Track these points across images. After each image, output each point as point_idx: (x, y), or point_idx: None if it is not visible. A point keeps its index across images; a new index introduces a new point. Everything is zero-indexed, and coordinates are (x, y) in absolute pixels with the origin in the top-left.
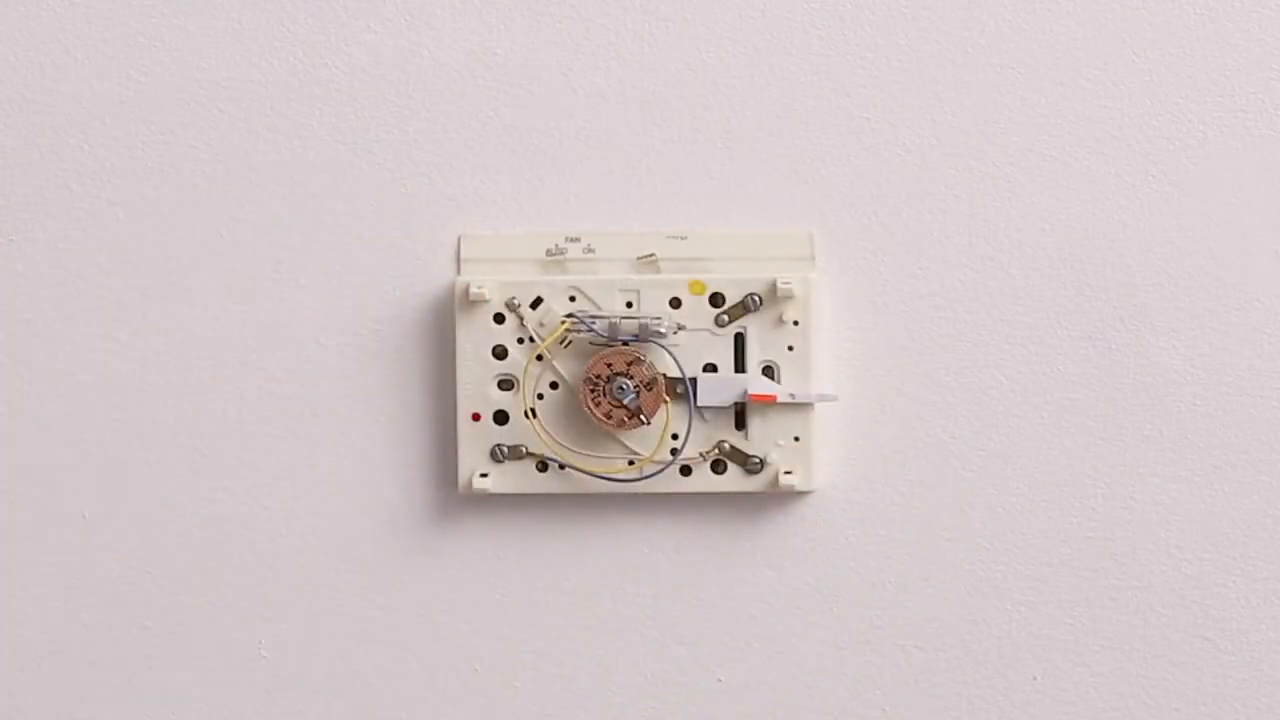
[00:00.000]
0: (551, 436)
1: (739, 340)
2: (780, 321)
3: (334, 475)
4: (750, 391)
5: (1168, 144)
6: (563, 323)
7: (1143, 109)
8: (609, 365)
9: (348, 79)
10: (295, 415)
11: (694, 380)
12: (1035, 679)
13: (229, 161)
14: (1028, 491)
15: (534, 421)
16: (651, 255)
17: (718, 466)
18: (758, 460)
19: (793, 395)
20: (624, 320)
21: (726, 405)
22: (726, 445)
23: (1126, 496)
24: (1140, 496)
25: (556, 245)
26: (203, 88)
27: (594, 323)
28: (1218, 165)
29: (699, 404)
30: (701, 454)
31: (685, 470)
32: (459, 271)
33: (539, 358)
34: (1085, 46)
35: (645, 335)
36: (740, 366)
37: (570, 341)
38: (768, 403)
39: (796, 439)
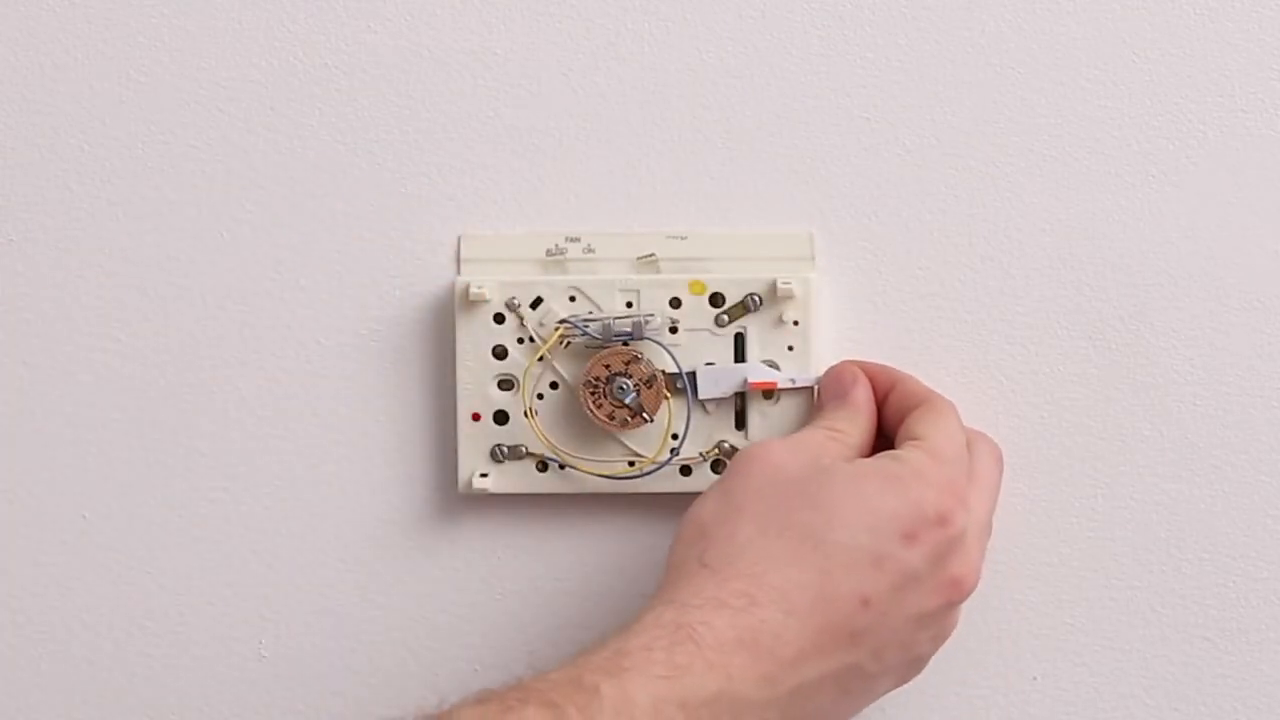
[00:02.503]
0: (551, 438)
1: (739, 340)
2: (780, 321)
3: (334, 475)
4: (750, 379)
5: (1168, 144)
6: (557, 328)
7: (1143, 109)
8: (607, 366)
9: (348, 79)
10: (295, 415)
11: (692, 374)
12: (1035, 679)
13: (229, 161)
14: (1027, 491)
15: (533, 421)
16: (651, 255)
17: (718, 466)
18: None
19: (793, 380)
20: (617, 320)
21: (727, 396)
22: (727, 445)
23: (1126, 496)
24: (1140, 496)
25: (556, 245)
26: (203, 88)
27: (588, 325)
28: (1218, 165)
29: (700, 396)
30: (702, 454)
31: (685, 470)
32: (459, 271)
33: (540, 358)
34: (1085, 46)
35: (640, 334)
36: None
37: (570, 342)
38: (769, 390)
39: None
